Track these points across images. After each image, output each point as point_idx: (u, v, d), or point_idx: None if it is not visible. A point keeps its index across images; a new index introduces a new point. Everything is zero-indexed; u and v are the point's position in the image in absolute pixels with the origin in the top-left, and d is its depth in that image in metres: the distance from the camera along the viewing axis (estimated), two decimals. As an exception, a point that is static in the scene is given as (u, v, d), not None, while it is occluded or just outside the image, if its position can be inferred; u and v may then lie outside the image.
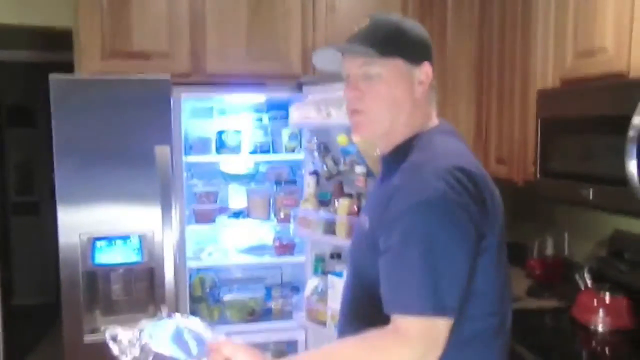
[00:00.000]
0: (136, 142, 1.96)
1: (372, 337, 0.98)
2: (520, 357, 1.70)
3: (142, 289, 2.01)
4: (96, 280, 2.01)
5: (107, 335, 1.03)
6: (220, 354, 0.97)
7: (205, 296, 2.49)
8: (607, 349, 1.85)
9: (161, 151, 1.95)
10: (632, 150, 1.44)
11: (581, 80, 1.85)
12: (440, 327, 0.97)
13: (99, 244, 1.92)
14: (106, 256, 1.93)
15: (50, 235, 4.88)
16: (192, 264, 2.33)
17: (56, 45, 3.30)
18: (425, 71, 1.17)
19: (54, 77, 1.90)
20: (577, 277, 2.08)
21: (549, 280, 2.45)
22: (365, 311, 1.09)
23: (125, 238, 1.95)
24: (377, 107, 1.14)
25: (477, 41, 2.58)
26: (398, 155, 1.15)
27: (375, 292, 1.04)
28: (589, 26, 1.80)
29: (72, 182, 1.94)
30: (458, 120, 2.59)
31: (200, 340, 1.01)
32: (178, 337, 1.01)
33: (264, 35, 2.35)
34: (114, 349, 1.02)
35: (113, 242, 1.93)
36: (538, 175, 2.00)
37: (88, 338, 1.95)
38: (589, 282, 2.02)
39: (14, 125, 5.09)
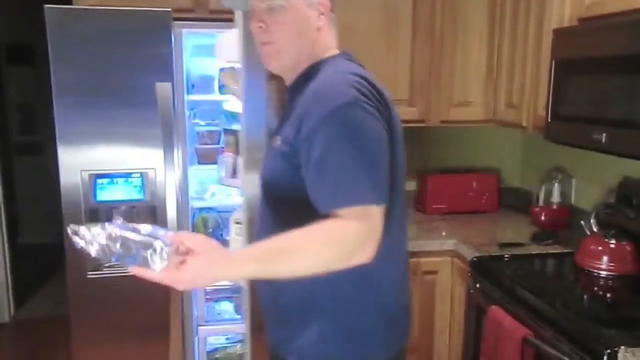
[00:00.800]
0: (137, 78, 1.90)
1: (322, 227, 1.04)
2: (523, 300, 1.71)
3: (145, 228, 2.01)
4: (98, 218, 2.00)
5: (70, 230, 1.01)
6: (182, 245, 1.01)
7: (207, 236, 2.48)
8: (610, 294, 1.85)
9: (162, 88, 1.90)
10: (651, 91, 1.38)
11: (599, 18, 1.77)
12: (377, 214, 1.06)
13: (100, 181, 1.90)
14: (108, 193, 1.92)
15: (51, 175, 4.92)
16: (195, 204, 2.31)
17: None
18: (322, 1, 1.23)
19: (49, 8, 1.83)
20: (582, 223, 2.06)
21: (554, 227, 2.44)
22: (286, 225, 1.09)
23: (126, 176, 1.92)
24: (283, 37, 1.21)
25: (491, -22, 2.47)
26: (303, 80, 1.23)
27: (294, 204, 1.13)
28: (612, -41, 1.70)
29: (72, 120, 1.90)
30: (468, 63, 2.52)
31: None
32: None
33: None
34: (79, 242, 1.00)
35: (114, 179, 1.91)
36: (549, 119, 1.94)
37: (91, 275, 1.97)
38: (595, 228, 2.00)
39: (13, 64, 4.99)
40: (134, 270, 0.99)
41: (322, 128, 1.08)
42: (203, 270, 0.99)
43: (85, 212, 1.94)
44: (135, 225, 1.00)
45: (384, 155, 1.12)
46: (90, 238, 0.99)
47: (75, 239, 1.00)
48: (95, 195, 1.91)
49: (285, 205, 1.20)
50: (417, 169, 2.87)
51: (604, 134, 1.63)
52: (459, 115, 2.56)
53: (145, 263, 0.98)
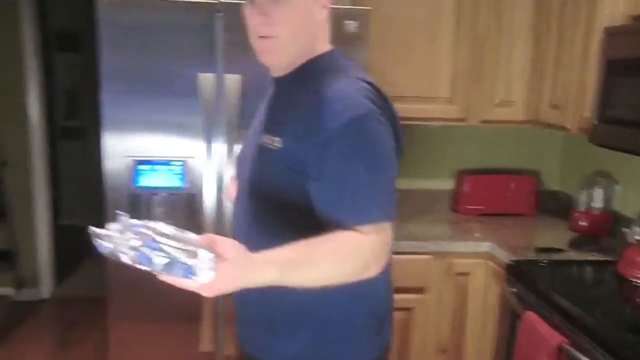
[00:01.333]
0: (181, 68, 1.93)
1: (340, 239, 1.03)
2: (560, 307, 1.67)
3: (182, 215, 2.04)
4: (139, 203, 2.04)
5: (92, 233, 0.92)
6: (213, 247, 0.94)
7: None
8: (651, 305, 1.80)
9: (204, 79, 1.92)
10: None
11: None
12: (390, 229, 1.10)
13: (142, 167, 1.94)
14: (148, 179, 1.96)
15: (94, 159, 5.05)
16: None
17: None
18: None
19: (100, -3, 1.87)
20: (626, 230, 2.00)
21: (595, 233, 2.38)
22: (275, 228, 1.11)
23: (167, 163, 1.96)
24: (287, 31, 1.13)
25: (539, -25, 2.40)
26: (302, 76, 1.17)
27: (288, 208, 1.12)
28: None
29: (118, 107, 1.94)
30: (511, 61, 2.46)
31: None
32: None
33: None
34: (106, 245, 0.91)
35: (156, 166, 1.95)
36: (595, 122, 1.89)
37: (130, 258, 2.02)
38: (639, 237, 1.94)
39: (61, 50, 5.14)
40: (168, 279, 0.91)
41: (337, 140, 1.06)
42: (231, 276, 0.93)
43: (127, 197, 1.98)
44: (154, 225, 0.91)
45: (395, 170, 1.14)
46: (119, 241, 0.91)
47: (103, 242, 0.92)
48: (136, 181, 1.95)
49: (276, 208, 1.15)
50: (454, 168, 2.83)
51: (655, 140, 1.58)
52: (500, 115, 2.51)
53: (187, 272, 0.89)
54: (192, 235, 0.92)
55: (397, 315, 2.21)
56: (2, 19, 3.52)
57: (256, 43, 1.16)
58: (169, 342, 2.00)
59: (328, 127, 1.06)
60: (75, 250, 4.54)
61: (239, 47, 1.91)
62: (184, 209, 2.02)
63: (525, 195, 2.75)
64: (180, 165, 1.96)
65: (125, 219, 0.93)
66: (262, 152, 1.17)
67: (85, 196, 5.21)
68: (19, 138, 3.67)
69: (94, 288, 3.93)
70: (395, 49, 2.38)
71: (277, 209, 1.15)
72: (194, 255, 0.88)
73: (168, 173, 1.96)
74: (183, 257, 0.88)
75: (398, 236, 2.16)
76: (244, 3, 1.17)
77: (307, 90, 1.14)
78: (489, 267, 2.25)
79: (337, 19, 1.97)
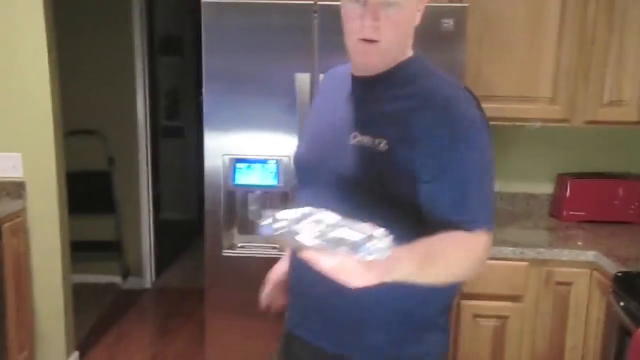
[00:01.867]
0: (279, 68, 1.98)
1: (461, 240, 1.10)
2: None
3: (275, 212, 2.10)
4: (235, 200, 2.12)
5: (267, 220, 0.92)
6: None
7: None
8: None
9: (301, 79, 1.96)
10: None
11: None
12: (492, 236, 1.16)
13: (239, 165, 2.02)
14: (245, 177, 2.03)
15: (192, 158, 5.31)
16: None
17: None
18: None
19: (206, 3, 1.96)
20: None
21: None
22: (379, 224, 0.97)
23: (263, 162, 2.02)
24: (393, 37, 1.13)
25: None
26: (397, 78, 1.18)
27: (392, 206, 1.12)
28: None
29: (218, 107, 2.03)
30: (624, 59, 2.29)
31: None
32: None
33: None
34: (278, 226, 0.90)
35: (252, 164, 2.02)
36: None
37: (225, 252, 2.10)
38: None
39: (164, 54, 5.45)
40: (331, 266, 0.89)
41: (458, 146, 1.10)
42: (384, 267, 0.91)
43: (224, 195, 2.06)
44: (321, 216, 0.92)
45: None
46: (299, 225, 0.90)
47: (273, 225, 0.92)
48: (234, 179, 2.03)
49: (377, 206, 1.12)
50: (554, 171, 2.68)
51: None
52: (608, 116, 2.35)
53: (368, 251, 0.86)
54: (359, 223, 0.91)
55: (491, 323, 2.16)
56: (116, 27, 3.81)
57: (357, 45, 1.15)
58: (263, 336, 2.05)
59: (447, 133, 1.10)
60: (174, 244, 4.82)
61: (333, 48, 1.94)
62: (278, 206, 2.07)
63: (636, 202, 2.55)
64: (275, 164, 2.01)
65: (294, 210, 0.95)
66: (364, 152, 1.16)
67: (184, 193, 5.51)
68: (126, 136, 3.95)
69: (191, 280, 4.15)
70: (493, 47, 2.29)
71: (379, 207, 1.11)
72: (370, 237, 0.88)
73: (263, 171, 2.02)
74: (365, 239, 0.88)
75: (494, 241, 2.10)
76: (344, 3, 1.16)
77: (409, 93, 1.15)
78: (594, 277, 2.10)
79: (434, 17, 1.95)
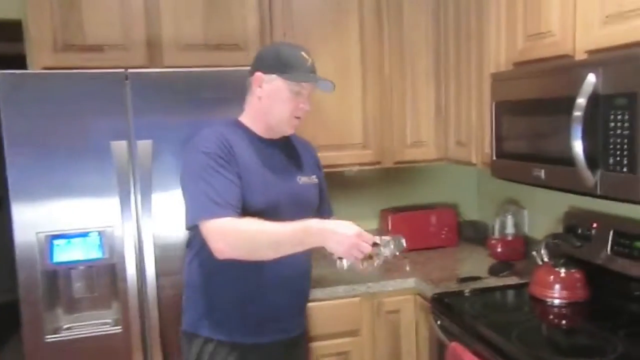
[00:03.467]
0: (91, 137, 1.91)
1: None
2: (481, 335, 1.75)
3: (104, 286, 1.98)
4: (57, 279, 1.97)
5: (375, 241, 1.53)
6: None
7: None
8: (564, 322, 1.92)
9: (117, 146, 1.92)
10: (577, 131, 1.48)
11: (531, 62, 1.90)
12: None
13: (57, 242, 1.89)
14: (65, 254, 1.89)
15: (7, 233, 4.76)
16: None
17: (8, 37, 3.18)
18: None
19: (2, 74, 1.84)
20: (534, 253, 2.14)
21: (511, 258, 2.52)
22: None
23: (84, 235, 1.91)
24: None
25: (434, 25, 2.60)
26: (287, 136, 1.82)
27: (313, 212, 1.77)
28: (537, 10, 1.83)
29: (26, 179, 1.88)
30: (418, 103, 2.62)
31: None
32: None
33: (222, 25, 2.32)
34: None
35: (72, 239, 1.90)
36: (494, 157, 2.04)
37: (49, 338, 1.92)
38: (545, 258, 2.08)
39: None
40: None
41: (321, 170, 1.93)
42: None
43: (42, 275, 1.90)
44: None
45: None
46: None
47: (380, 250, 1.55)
48: (52, 256, 1.89)
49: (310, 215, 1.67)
50: (376, 208, 2.93)
51: (543, 171, 1.73)
52: (412, 156, 2.65)
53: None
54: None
55: (334, 360, 2.26)
56: None
57: (292, 121, 1.71)
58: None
59: (319, 161, 1.94)
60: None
61: (147, 113, 1.95)
62: (106, 279, 1.97)
63: (446, 227, 2.88)
64: (98, 236, 1.92)
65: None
66: (310, 187, 1.81)
67: (1, 273, 4.90)
68: None
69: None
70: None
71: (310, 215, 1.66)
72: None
73: (86, 245, 1.91)
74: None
75: (329, 281, 2.22)
76: (282, 88, 1.66)
77: (298, 144, 1.86)
78: (417, 302, 2.32)
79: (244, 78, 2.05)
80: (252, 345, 1.71)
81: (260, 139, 1.73)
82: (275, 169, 1.72)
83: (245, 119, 1.75)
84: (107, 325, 1.98)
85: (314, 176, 1.82)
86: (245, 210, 1.59)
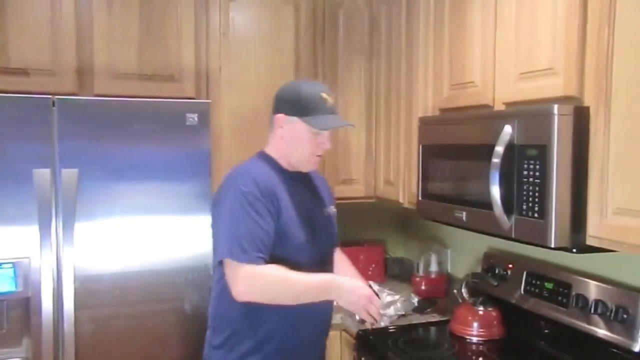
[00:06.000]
0: (12, 163, 1.83)
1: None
2: (403, 372, 1.79)
3: (16, 321, 1.87)
4: (-37, 313, 1.84)
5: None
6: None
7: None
8: (480, 359, 2.00)
9: (40, 174, 1.84)
10: (494, 177, 1.58)
11: (455, 110, 2.02)
12: None
13: (-34, 273, 1.77)
14: (-26, 287, 1.78)
15: None
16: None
17: None
18: None
19: None
20: (455, 291, 2.23)
21: (434, 295, 2.60)
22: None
23: (-4, 266, 1.81)
24: None
25: (367, 68, 2.72)
26: (304, 172, 1.82)
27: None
28: (461, 61, 1.96)
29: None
30: (350, 142, 2.70)
31: None
32: None
33: (157, 55, 2.31)
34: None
35: (-18, 271, 1.79)
36: (420, 197, 2.13)
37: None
38: (465, 296, 2.17)
39: None
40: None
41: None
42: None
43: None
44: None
45: None
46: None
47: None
48: (-41, 289, 1.76)
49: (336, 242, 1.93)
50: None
51: (464, 213, 1.82)
52: (344, 193, 2.71)
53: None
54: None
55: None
56: None
57: (313, 159, 1.75)
58: None
59: (331, 190, 1.99)
60: None
61: (73, 140, 1.89)
62: (18, 314, 1.86)
63: (374, 264, 2.94)
64: (12, 267, 1.82)
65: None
66: (332, 218, 1.88)
67: None
68: None
69: None
70: (241, 135, 2.47)
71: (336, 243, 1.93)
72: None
73: (-3, 277, 1.80)
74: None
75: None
76: (303, 130, 1.68)
77: (313, 175, 1.86)
78: (344, 337, 2.34)
79: (180, 112, 2.04)
80: None
81: (286, 172, 1.77)
82: (309, 204, 1.78)
83: (272, 152, 1.77)
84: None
85: (332, 206, 1.90)
86: (285, 245, 1.64)
